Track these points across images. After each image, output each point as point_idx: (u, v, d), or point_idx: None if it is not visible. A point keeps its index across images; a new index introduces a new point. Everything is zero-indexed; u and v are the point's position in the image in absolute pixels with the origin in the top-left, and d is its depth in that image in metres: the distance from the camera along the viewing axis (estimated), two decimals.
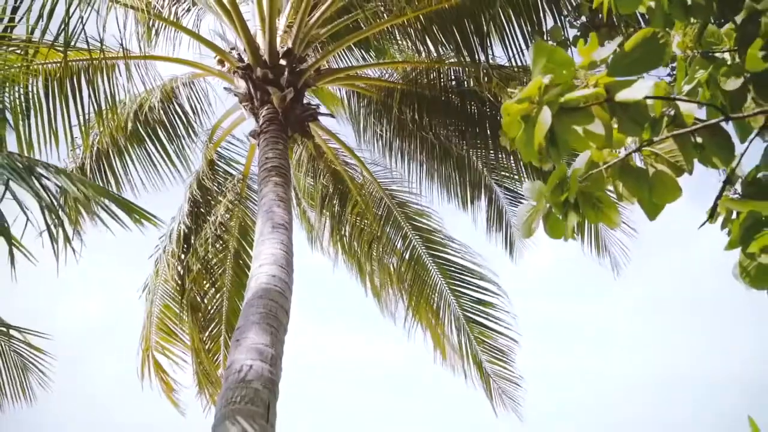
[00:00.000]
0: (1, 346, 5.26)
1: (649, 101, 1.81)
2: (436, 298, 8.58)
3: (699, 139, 1.85)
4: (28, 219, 3.41)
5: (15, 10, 4.88)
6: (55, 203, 3.65)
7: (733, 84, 1.73)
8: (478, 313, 8.72)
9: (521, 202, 9.39)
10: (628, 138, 1.92)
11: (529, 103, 1.57)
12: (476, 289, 8.64)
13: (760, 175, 1.85)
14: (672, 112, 1.87)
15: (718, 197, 1.79)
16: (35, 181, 3.40)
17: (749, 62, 1.66)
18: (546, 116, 1.52)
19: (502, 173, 8.78)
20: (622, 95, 1.50)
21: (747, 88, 1.72)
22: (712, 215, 1.84)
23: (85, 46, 5.32)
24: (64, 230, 3.57)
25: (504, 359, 8.92)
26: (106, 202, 3.98)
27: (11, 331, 5.09)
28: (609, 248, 8.83)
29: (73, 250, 3.90)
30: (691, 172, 1.84)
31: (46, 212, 3.48)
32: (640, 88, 1.49)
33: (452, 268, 8.47)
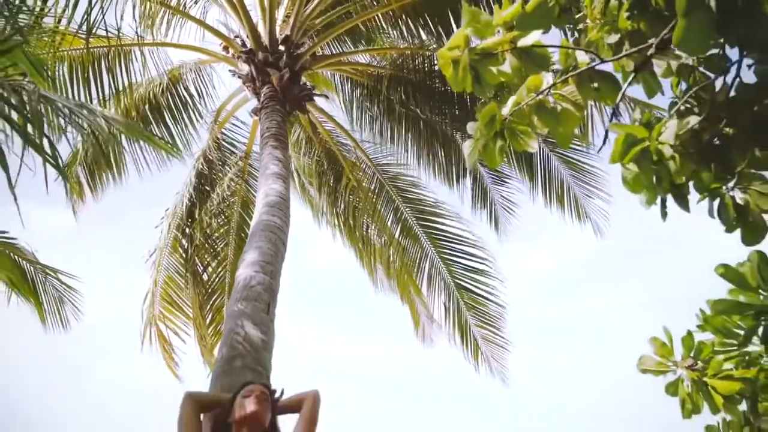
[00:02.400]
0: (41, 282, 5.80)
1: (556, 56, 2.35)
2: (427, 267, 8.96)
3: (595, 84, 2.38)
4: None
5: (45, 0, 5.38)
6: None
7: (612, 38, 2.25)
8: (468, 280, 9.06)
9: (505, 181, 9.87)
10: (544, 84, 2.44)
11: (457, 50, 2.09)
12: (466, 256, 8.98)
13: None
14: (575, 64, 2.40)
15: (609, 123, 2.29)
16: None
17: (620, 22, 2.19)
18: (468, 59, 2.04)
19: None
20: (521, 42, 2.02)
21: (623, 41, 2.24)
22: (605, 140, 2.35)
23: (105, 34, 5.82)
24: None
25: (493, 324, 9.26)
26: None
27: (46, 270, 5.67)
28: (589, 215, 9.25)
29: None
30: (583, 108, 2.36)
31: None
32: (531, 37, 2.00)
33: (442, 236, 8.75)
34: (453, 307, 8.73)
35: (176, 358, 8.77)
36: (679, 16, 1.36)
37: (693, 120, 2.01)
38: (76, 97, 6.09)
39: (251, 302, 3.66)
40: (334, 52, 8.02)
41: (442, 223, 8.77)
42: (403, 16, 6.83)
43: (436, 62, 7.68)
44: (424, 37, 6.91)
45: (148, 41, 6.67)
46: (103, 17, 5.85)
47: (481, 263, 8.75)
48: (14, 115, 3.62)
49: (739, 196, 2.09)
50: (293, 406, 2.86)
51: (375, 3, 7.00)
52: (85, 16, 5.49)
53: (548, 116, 2.36)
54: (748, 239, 2.11)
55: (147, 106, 7.50)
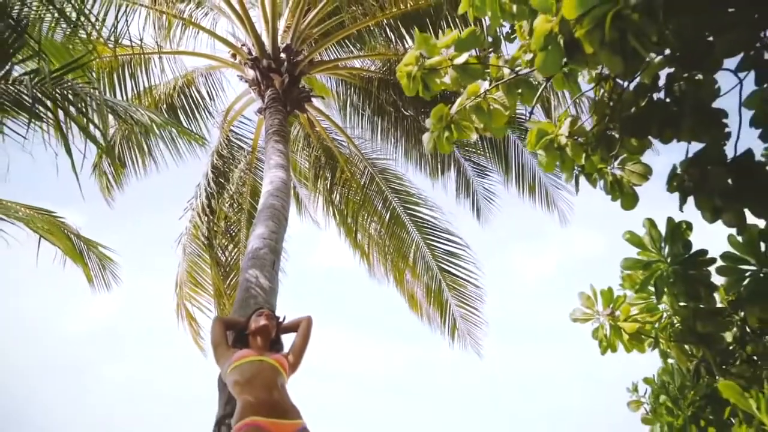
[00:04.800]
0: (85, 252, 6.51)
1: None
2: (413, 252, 9.61)
3: (519, 90, 2.99)
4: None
5: (79, 14, 5.95)
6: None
7: (528, 56, 2.85)
8: (449, 263, 9.65)
9: (486, 174, 10.47)
10: (481, 89, 3.05)
11: (411, 66, 2.70)
12: (447, 242, 9.60)
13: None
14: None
15: (527, 120, 2.90)
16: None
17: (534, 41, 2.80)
18: (419, 73, 2.66)
19: (469, 149, 9.77)
20: (456, 61, 2.62)
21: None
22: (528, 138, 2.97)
23: (128, 43, 6.43)
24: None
25: (471, 304, 9.87)
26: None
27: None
28: (557, 203, 9.86)
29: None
30: (513, 107, 2.97)
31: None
32: (462, 57, 2.61)
33: (426, 224, 9.39)
34: (435, 287, 9.39)
35: (202, 333, 9.37)
36: (536, 51, 1.97)
37: (581, 118, 2.63)
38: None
39: (260, 260, 4.35)
40: (330, 57, 8.62)
41: (426, 213, 9.39)
42: (390, 26, 7.43)
43: None
44: (409, 44, 7.52)
45: (166, 50, 7.28)
46: (128, 29, 6.49)
47: (460, 249, 9.41)
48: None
49: (618, 174, 2.72)
50: (292, 326, 3.65)
51: (365, 15, 7.60)
52: (112, 29, 6.15)
53: (484, 115, 2.98)
54: (626, 206, 2.73)
55: (164, 106, 8.11)
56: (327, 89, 9.33)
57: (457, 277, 9.71)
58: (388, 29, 7.51)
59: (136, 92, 7.20)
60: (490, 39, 2.71)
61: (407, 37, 7.40)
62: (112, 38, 5.81)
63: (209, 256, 9.02)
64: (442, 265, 9.77)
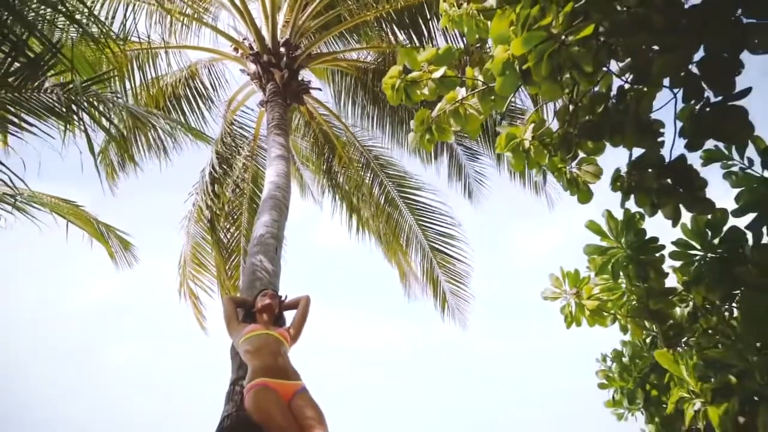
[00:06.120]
0: (105, 235, 6.93)
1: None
2: (406, 231, 9.94)
3: (492, 97, 3.31)
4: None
5: (90, 14, 6.21)
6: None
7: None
8: (439, 242, 10.03)
9: (477, 158, 10.79)
10: (459, 96, 3.37)
11: (395, 78, 3.03)
12: (439, 223, 9.94)
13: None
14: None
15: (499, 125, 3.24)
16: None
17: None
18: (401, 84, 2.99)
19: (461, 134, 10.10)
20: (434, 75, 2.95)
21: None
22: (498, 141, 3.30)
23: (136, 39, 6.71)
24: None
25: (460, 281, 10.27)
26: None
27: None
28: (545, 189, 10.19)
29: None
30: (487, 113, 3.30)
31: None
32: (439, 71, 2.94)
33: (419, 206, 9.72)
34: (427, 265, 9.78)
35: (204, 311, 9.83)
36: (496, 75, 2.30)
37: (541, 125, 2.97)
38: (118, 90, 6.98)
39: (264, 246, 4.73)
40: (328, 50, 8.88)
41: (418, 195, 9.73)
42: (385, 19, 7.67)
43: None
44: (401, 37, 7.79)
45: (171, 44, 7.54)
46: (135, 27, 6.78)
47: (451, 229, 9.77)
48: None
49: (575, 173, 3.06)
50: (293, 304, 4.15)
51: (361, 9, 7.84)
52: (121, 26, 6.42)
53: (460, 119, 3.31)
54: (582, 200, 3.08)
55: (171, 96, 8.39)
56: (326, 77, 9.60)
57: (447, 255, 10.08)
58: (383, 22, 7.76)
59: (144, 83, 7.48)
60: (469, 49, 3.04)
61: (401, 30, 7.65)
62: (122, 36, 6.13)
63: (212, 237, 9.35)
64: (434, 245, 10.14)
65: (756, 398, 2.39)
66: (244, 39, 8.00)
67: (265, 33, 7.77)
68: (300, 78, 7.92)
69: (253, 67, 7.70)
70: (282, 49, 7.66)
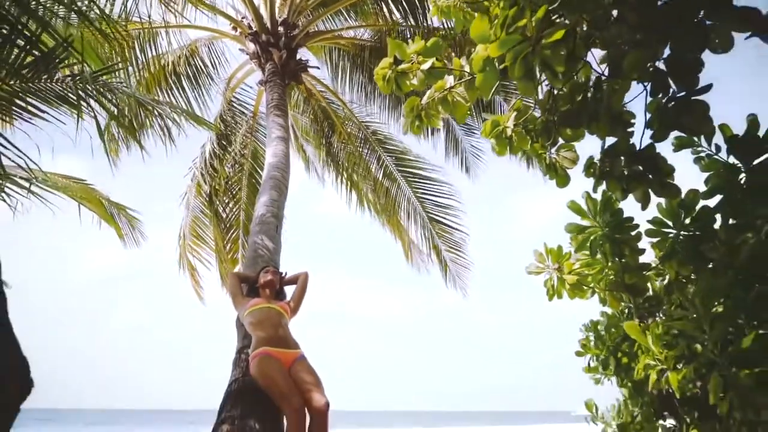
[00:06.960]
0: (115, 214, 7.16)
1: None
2: (405, 203, 10.10)
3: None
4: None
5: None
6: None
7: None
8: (437, 213, 10.19)
9: (474, 133, 10.91)
10: (446, 85, 3.53)
11: (386, 69, 3.18)
12: (435, 193, 10.08)
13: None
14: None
15: (486, 113, 3.39)
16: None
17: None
18: (392, 75, 3.15)
19: None
20: (422, 66, 3.11)
21: None
22: (483, 127, 3.48)
23: (137, 19, 6.77)
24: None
25: (458, 249, 10.50)
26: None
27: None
28: (537, 166, 10.34)
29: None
30: (473, 101, 3.47)
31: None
32: (427, 63, 3.10)
33: (417, 179, 9.86)
34: (428, 234, 10.00)
35: (201, 282, 10.14)
36: (475, 72, 2.47)
37: (525, 112, 3.14)
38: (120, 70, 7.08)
39: (265, 225, 4.94)
40: (326, 28, 8.92)
41: (416, 167, 9.88)
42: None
43: (409, 36, 8.62)
44: (397, 15, 7.84)
45: (172, 24, 7.60)
46: (136, 7, 6.82)
47: (448, 198, 9.94)
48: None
49: (554, 159, 3.25)
50: (293, 280, 4.41)
51: None
52: (122, 7, 6.49)
53: (448, 106, 3.48)
54: (559, 184, 3.28)
55: (171, 74, 8.47)
56: (323, 54, 9.65)
57: (445, 225, 10.26)
58: (377, 0, 7.81)
59: (145, 62, 7.56)
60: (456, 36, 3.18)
61: (397, 7, 7.71)
62: (123, 16, 6.21)
63: (211, 212, 9.53)
64: (432, 215, 10.31)
65: (709, 365, 2.63)
66: (242, 18, 8.05)
67: (264, 12, 7.82)
68: (298, 57, 8.00)
69: (252, 47, 7.77)
70: (280, 29, 7.72)
